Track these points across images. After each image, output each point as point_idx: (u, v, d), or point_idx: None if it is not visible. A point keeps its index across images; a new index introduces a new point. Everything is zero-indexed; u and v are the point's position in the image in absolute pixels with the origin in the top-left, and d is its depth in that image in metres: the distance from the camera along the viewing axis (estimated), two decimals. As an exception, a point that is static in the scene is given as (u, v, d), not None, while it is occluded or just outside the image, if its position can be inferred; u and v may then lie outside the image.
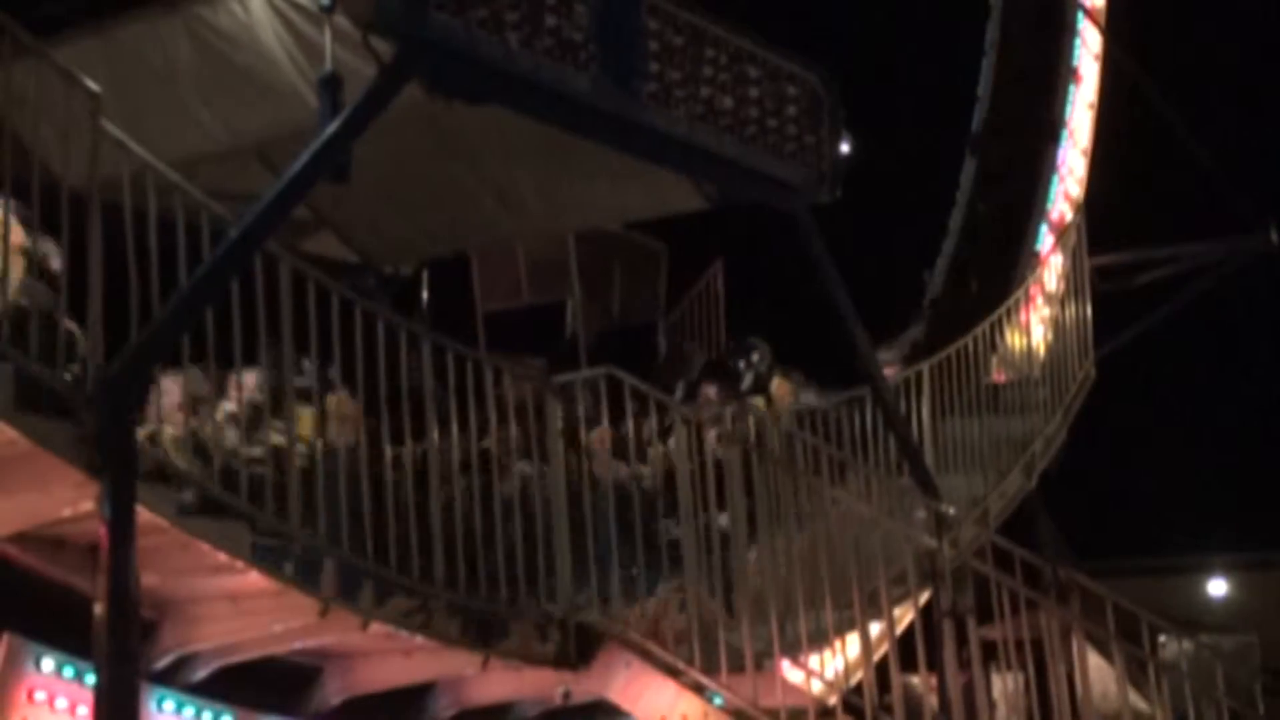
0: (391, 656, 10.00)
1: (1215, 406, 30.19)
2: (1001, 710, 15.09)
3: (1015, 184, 21.28)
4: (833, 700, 10.70)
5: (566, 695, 10.68)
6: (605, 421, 11.64)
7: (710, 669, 10.28)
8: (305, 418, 9.27)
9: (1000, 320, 16.20)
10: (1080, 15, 22.18)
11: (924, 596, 11.29)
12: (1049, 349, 17.17)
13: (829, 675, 10.93)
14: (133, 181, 8.21)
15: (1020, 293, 17.02)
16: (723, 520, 10.99)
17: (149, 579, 8.15)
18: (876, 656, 11.03)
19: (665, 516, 11.16)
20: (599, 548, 10.47)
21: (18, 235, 8.20)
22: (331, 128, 8.55)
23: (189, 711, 9.47)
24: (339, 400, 9.60)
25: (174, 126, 10.10)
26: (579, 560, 10.35)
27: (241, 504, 8.54)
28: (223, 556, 8.54)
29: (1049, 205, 21.18)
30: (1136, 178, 23.06)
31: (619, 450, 11.39)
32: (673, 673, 10.30)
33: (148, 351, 8.01)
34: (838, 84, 11.43)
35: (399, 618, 9.23)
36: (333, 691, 10.26)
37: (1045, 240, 20.67)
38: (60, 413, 7.84)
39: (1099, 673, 12.75)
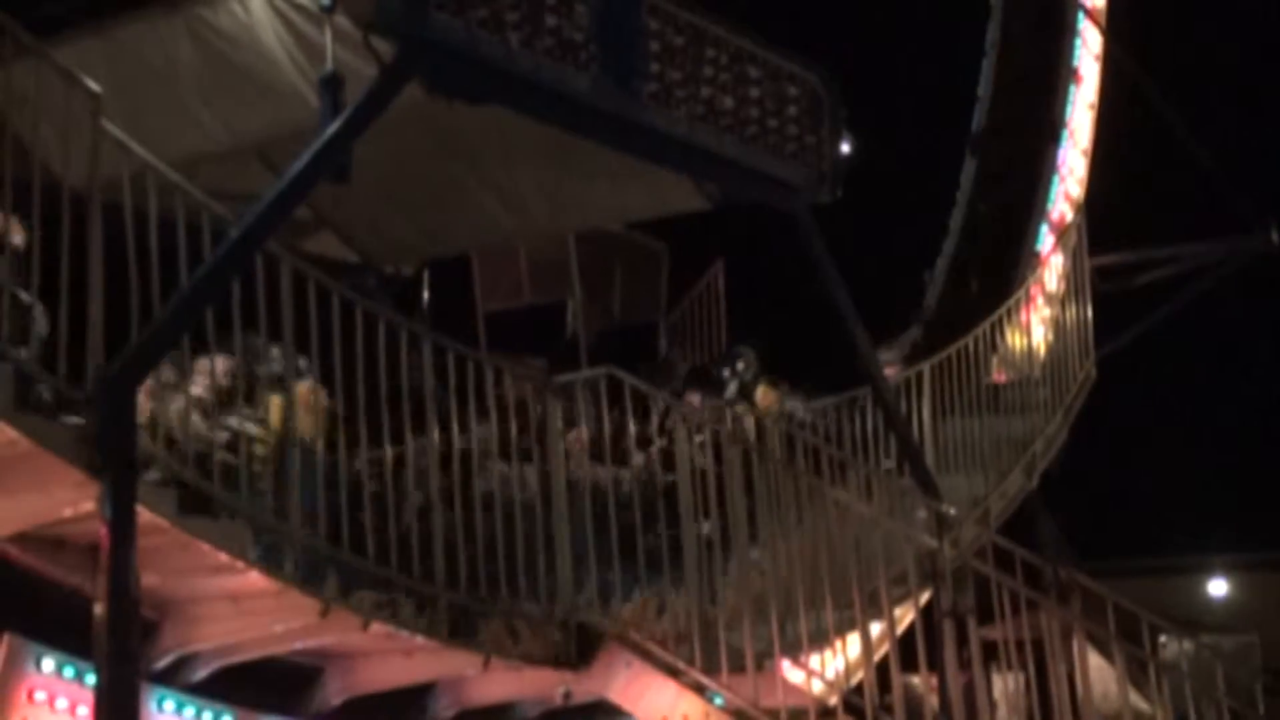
0: (392, 657, 10.00)
1: (1215, 406, 30.21)
2: (1002, 710, 15.09)
3: (1016, 184, 21.29)
4: (833, 700, 10.70)
5: (567, 695, 10.68)
6: (606, 422, 11.63)
7: (711, 669, 10.27)
8: (273, 405, 9.18)
9: (1001, 320, 16.20)
10: (1081, 15, 22.18)
11: (924, 596, 11.29)
12: (1049, 349, 17.17)
13: (830, 675, 10.92)
14: (133, 181, 8.21)
15: (1021, 293, 17.02)
16: (705, 527, 10.94)
17: (149, 579, 8.14)
18: (877, 656, 11.03)
19: (644, 522, 10.96)
20: (575, 549, 10.40)
21: None
22: (332, 128, 8.55)
23: (189, 712, 9.46)
24: (308, 389, 9.44)
25: (174, 126, 10.10)
26: (550, 562, 10.31)
27: (210, 487, 8.48)
28: (223, 557, 8.54)
29: (1049, 205, 21.19)
30: (1137, 178, 23.06)
31: (598, 453, 11.31)
32: (673, 673, 10.30)
33: (148, 351, 8.01)
34: (838, 84, 11.43)
35: (365, 609, 9.15)
36: (333, 692, 10.26)
37: (1046, 240, 20.68)
38: (59, 410, 7.86)
39: (1099, 673, 12.75)
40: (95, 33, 9.99)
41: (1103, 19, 22.45)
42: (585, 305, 15.90)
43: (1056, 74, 21.89)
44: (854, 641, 10.92)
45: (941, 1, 25.13)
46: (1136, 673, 12.68)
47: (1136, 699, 12.56)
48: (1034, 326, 17.24)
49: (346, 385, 9.07)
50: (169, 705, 9.36)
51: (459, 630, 9.66)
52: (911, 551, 11.06)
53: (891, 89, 25.81)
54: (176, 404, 8.82)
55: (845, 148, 11.56)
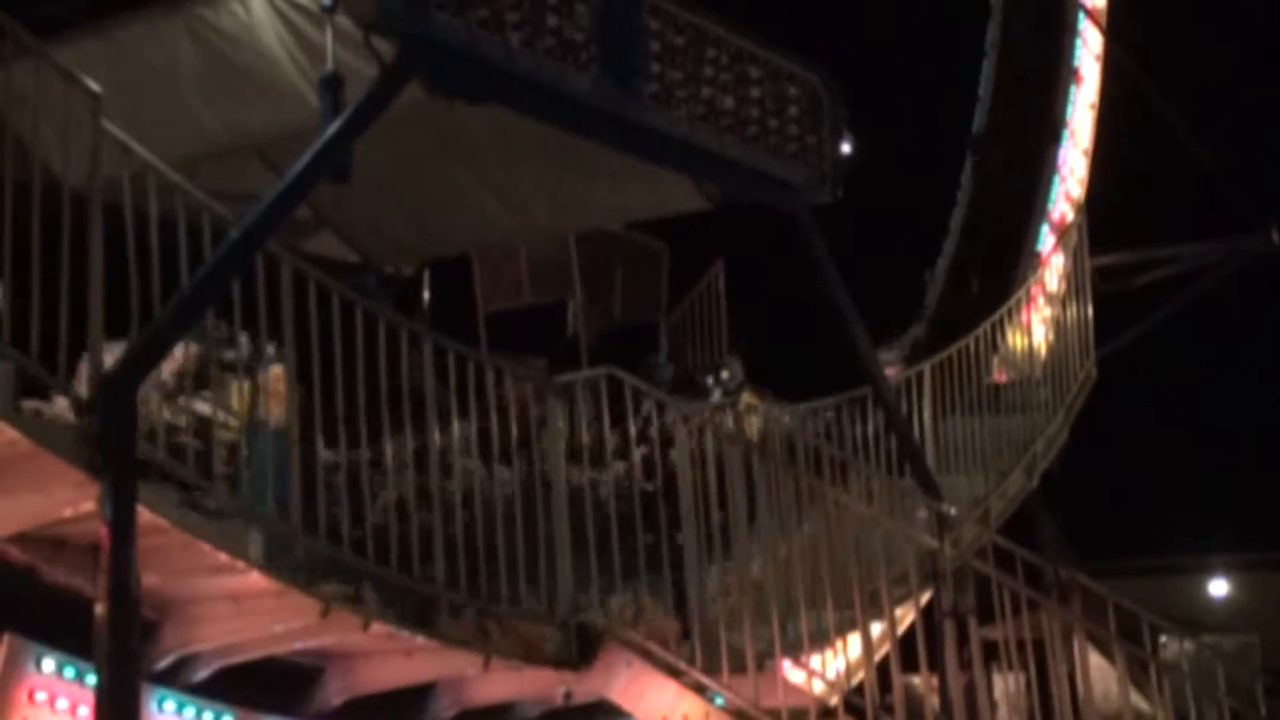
0: (393, 657, 9.99)
1: (1215, 406, 30.22)
2: (1003, 711, 15.10)
3: (1016, 184, 21.31)
4: (834, 700, 10.70)
5: (568, 695, 10.67)
6: (607, 422, 11.62)
7: (711, 669, 10.27)
8: (234, 390, 9.09)
9: (1001, 320, 16.21)
10: (1081, 15, 22.19)
11: (925, 597, 11.29)
12: (1050, 349, 17.18)
13: (830, 675, 10.92)
14: (134, 182, 8.20)
15: (1021, 293, 17.02)
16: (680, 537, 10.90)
17: (150, 579, 8.14)
18: (878, 657, 11.03)
19: (621, 528, 10.85)
20: (550, 551, 10.31)
21: None
22: (333, 128, 8.54)
23: (190, 712, 9.45)
24: (274, 375, 9.30)
25: (175, 126, 10.09)
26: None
27: (172, 465, 8.45)
28: (224, 557, 8.54)
29: (1050, 205, 21.21)
30: (1137, 178, 23.08)
31: (575, 455, 11.22)
32: (674, 673, 10.29)
33: (149, 352, 8.01)
34: (838, 84, 11.44)
35: (329, 595, 9.09)
36: (334, 692, 10.25)
37: (1046, 240, 20.69)
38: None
39: (1100, 673, 12.76)
40: (95, 33, 9.99)
41: (1103, 19, 22.45)
42: (585, 305, 15.89)
43: (1057, 74, 21.91)
44: (855, 641, 10.92)
45: (941, 1, 25.14)
46: (1137, 673, 12.69)
47: (1137, 699, 12.57)
48: (1034, 326, 17.24)
49: (325, 377, 8.95)
50: (169, 705, 9.35)
51: (425, 619, 9.57)
52: (912, 551, 11.06)
53: (892, 89, 25.84)
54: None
55: (846, 148, 11.56)
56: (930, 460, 13.56)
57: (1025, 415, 16.09)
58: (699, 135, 10.43)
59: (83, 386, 7.90)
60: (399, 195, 11.92)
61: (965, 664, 11.23)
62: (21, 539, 8.50)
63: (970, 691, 11.42)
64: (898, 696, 10.66)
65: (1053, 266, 17.99)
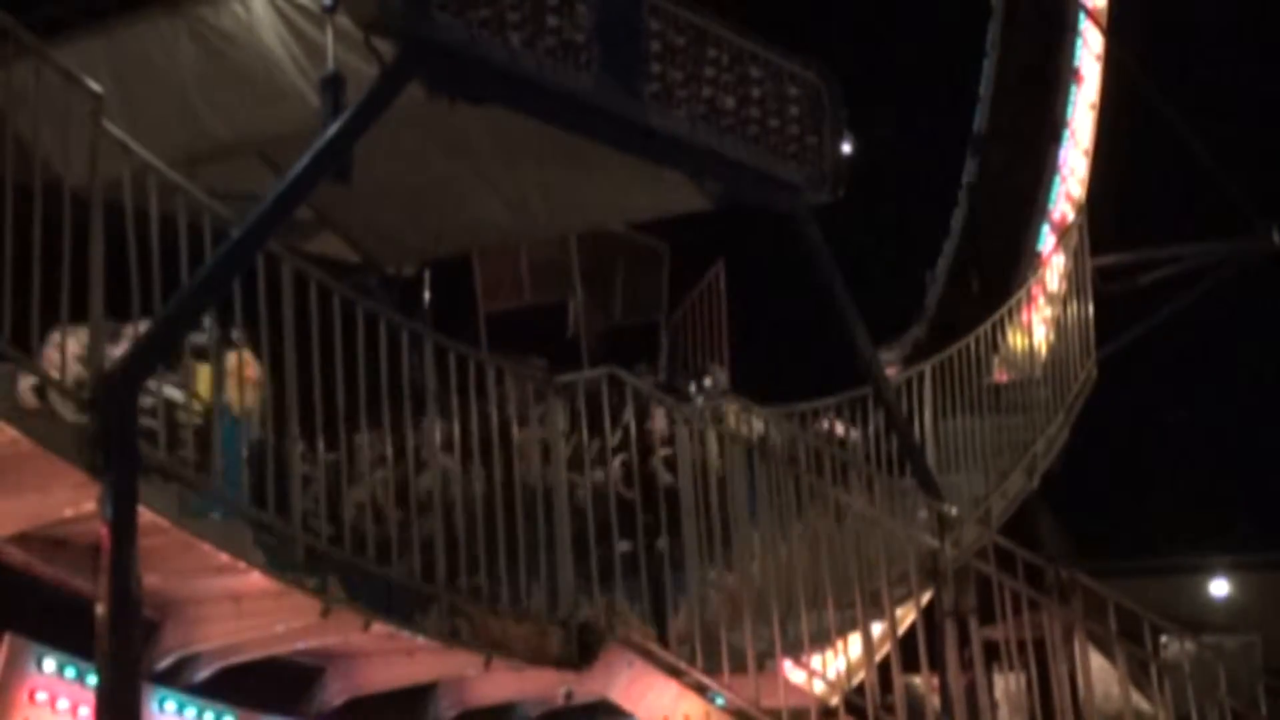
0: (393, 657, 9.98)
1: (1217, 406, 30.19)
2: (1003, 710, 15.10)
3: (1017, 184, 21.33)
4: (835, 700, 10.70)
5: (568, 695, 10.67)
6: (607, 422, 11.59)
7: (712, 669, 10.26)
8: (202, 375, 9.02)
9: (1002, 320, 16.21)
10: (1081, 15, 22.19)
11: (926, 596, 11.29)
12: (1051, 349, 17.18)
13: (831, 675, 10.92)
14: (135, 181, 8.20)
15: (1022, 293, 17.02)
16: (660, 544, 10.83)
17: (150, 579, 8.13)
18: (879, 657, 11.03)
19: (599, 534, 10.65)
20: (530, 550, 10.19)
21: None
22: (334, 128, 8.55)
23: (190, 712, 9.45)
24: (241, 359, 9.14)
25: (176, 127, 10.09)
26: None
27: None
28: (225, 557, 8.53)
29: (1050, 205, 21.23)
30: (1137, 178, 23.07)
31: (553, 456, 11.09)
32: (675, 673, 10.28)
33: (150, 352, 8.01)
34: (839, 84, 11.44)
35: (290, 577, 9.03)
36: (335, 692, 10.25)
37: (1047, 240, 20.69)
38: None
39: (1101, 673, 12.75)
40: (97, 33, 9.98)
41: (1103, 19, 22.45)
42: (586, 305, 15.88)
43: (1058, 74, 21.92)
44: (855, 641, 10.92)
45: (942, 1, 25.14)
46: (1138, 673, 12.68)
47: (1138, 699, 12.57)
48: (1035, 326, 17.24)
49: (302, 369, 8.86)
50: (170, 706, 9.36)
51: (393, 608, 9.50)
52: (913, 551, 11.06)
53: (892, 89, 25.81)
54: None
55: (846, 148, 11.57)
56: (931, 460, 13.56)
57: (1026, 415, 16.10)
58: (700, 135, 10.44)
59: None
60: (400, 195, 11.90)
61: (966, 664, 11.22)
62: (22, 539, 8.50)
63: (971, 691, 11.41)
64: (899, 697, 10.65)
65: (1053, 266, 17.99)
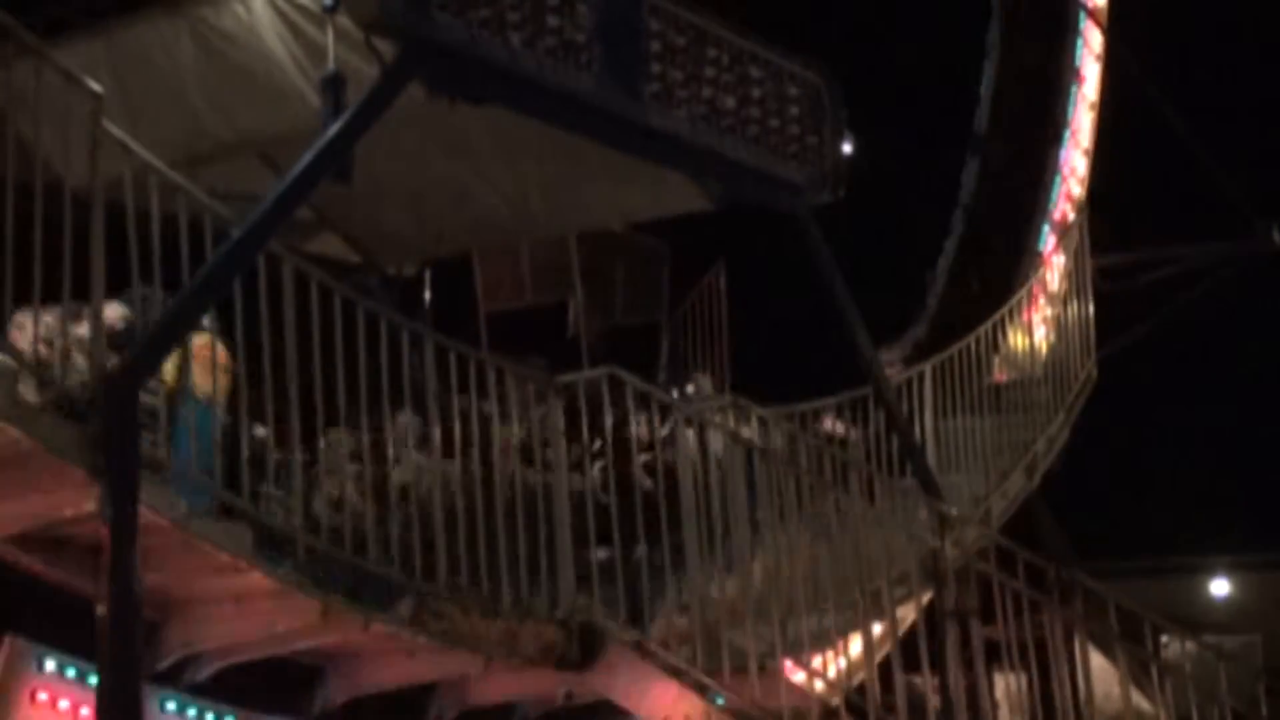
0: (394, 657, 9.98)
1: (1217, 406, 30.20)
2: (1004, 711, 15.09)
3: (1017, 184, 21.32)
4: (836, 701, 10.69)
5: (569, 696, 10.66)
6: (607, 422, 11.59)
7: (713, 670, 10.26)
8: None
9: (1002, 320, 16.21)
10: (1082, 15, 22.19)
11: (926, 596, 11.29)
12: (1051, 349, 17.18)
13: (832, 675, 10.91)
14: (136, 182, 8.20)
15: (1023, 293, 17.02)
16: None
17: (151, 580, 8.13)
18: (879, 657, 11.02)
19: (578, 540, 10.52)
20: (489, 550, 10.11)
21: None
22: (334, 128, 8.55)
23: (191, 712, 9.46)
24: (206, 342, 9.07)
25: (177, 127, 10.09)
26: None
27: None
28: (225, 557, 8.53)
29: (1051, 205, 21.22)
30: (1137, 178, 23.08)
31: (529, 456, 11.06)
32: (675, 673, 10.28)
33: (151, 352, 8.01)
34: (840, 84, 11.44)
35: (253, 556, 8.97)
36: (335, 692, 10.24)
37: (1047, 240, 20.69)
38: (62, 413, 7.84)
39: (1102, 673, 12.75)
40: (97, 33, 9.99)
41: (1104, 18, 22.45)
42: (587, 305, 15.88)
43: (1058, 73, 21.91)
44: (856, 642, 10.91)
45: (943, 1, 25.14)
46: (1139, 673, 12.68)
47: (1139, 699, 12.55)
48: (1036, 326, 17.24)
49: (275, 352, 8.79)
50: (171, 706, 9.36)
51: (355, 594, 9.43)
52: (914, 551, 11.06)
53: (893, 89, 25.82)
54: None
55: (847, 148, 11.57)
56: (931, 460, 13.56)
57: (1026, 415, 16.10)
58: (700, 135, 10.43)
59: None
60: (400, 195, 11.91)
61: (967, 664, 11.22)
62: (23, 539, 8.50)
63: (972, 692, 11.40)
64: (900, 697, 10.65)
65: (1054, 266, 17.99)
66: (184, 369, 8.78)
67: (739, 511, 10.97)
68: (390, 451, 9.74)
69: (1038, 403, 16.30)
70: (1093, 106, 22.24)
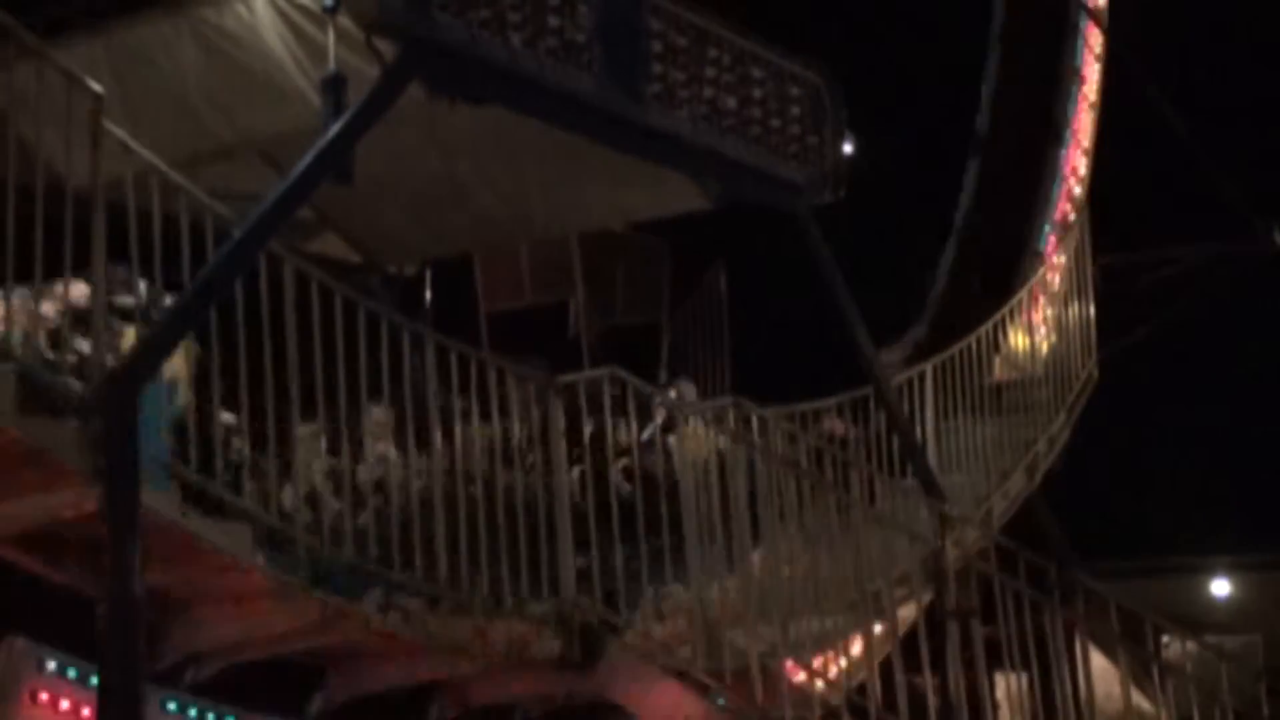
0: (394, 657, 9.98)
1: (1217, 406, 30.17)
2: (1005, 711, 15.08)
3: (1018, 184, 21.30)
4: (837, 701, 10.69)
5: (569, 696, 10.66)
6: (607, 422, 11.59)
7: (714, 670, 10.26)
8: (129, 336, 8.94)
9: (1003, 320, 16.21)
10: (1083, 15, 22.18)
11: (927, 597, 11.29)
12: (1052, 349, 17.17)
13: (833, 676, 10.91)
14: (137, 182, 8.20)
15: (1023, 293, 17.02)
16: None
17: (152, 580, 8.13)
18: (880, 657, 11.02)
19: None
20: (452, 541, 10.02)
21: None
22: (335, 128, 8.55)
23: (192, 712, 9.45)
24: None
25: (178, 127, 10.09)
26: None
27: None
28: (226, 557, 8.53)
29: (1052, 205, 21.20)
30: (1138, 178, 23.06)
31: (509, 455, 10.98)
32: (677, 674, 10.28)
33: (151, 353, 8.00)
34: (840, 84, 11.44)
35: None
36: (335, 692, 10.24)
37: (1048, 240, 20.68)
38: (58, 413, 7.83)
39: (1103, 673, 12.75)
40: (98, 34, 9.98)
41: (1104, 18, 22.44)
42: (588, 305, 15.89)
43: (1059, 73, 21.90)
44: (857, 642, 10.91)
45: (944, 1, 25.12)
46: (1140, 673, 12.68)
47: (1140, 699, 12.56)
48: (1036, 326, 17.24)
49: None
50: (172, 706, 9.35)
51: (318, 581, 9.39)
52: (915, 551, 11.06)
53: (894, 89, 25.81)
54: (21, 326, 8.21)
55: (847, 148, 11.57)
56: (932, 460, 13.55)
57: (1027, 415, 16.10)
58: (701, 135, 10.44)
59: None
60: (401, 195, 11.91)
61: (968, 664, 11.21)
62: (24, 540, 8.50)
63: (973, 692, 11.40)
64: (900, 697, 10.65)
65: (1054, 266, 17.99)
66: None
67: (739, 513, 10.97)
68: (365, 443, 9.73)
69: (1039, 403, 16.30)
70: (1093, 106, 22.24)
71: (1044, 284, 17.68)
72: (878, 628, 11.13)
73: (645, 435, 11.54)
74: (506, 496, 10.03)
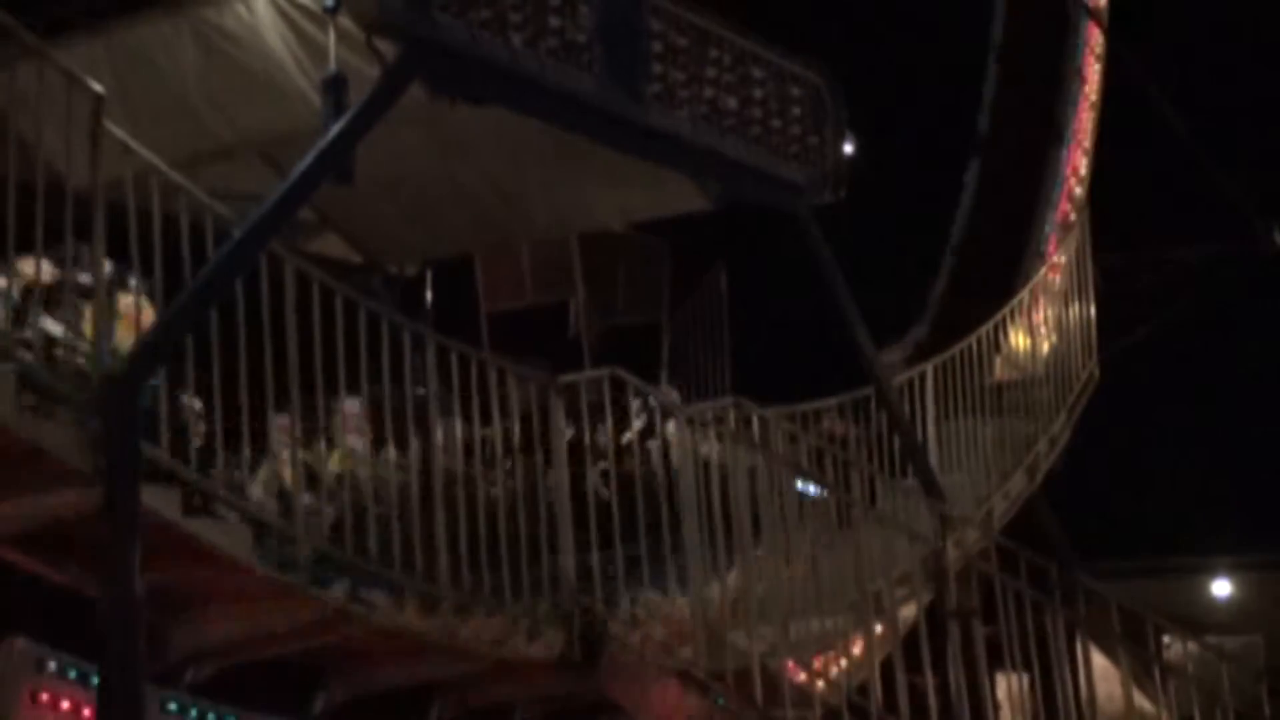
0: (394, 657, 9.98)
1: (1217, 406, 30.17)
2: (1006, 711, 15.09)
3: (1019, 184, 21.30)
4: (837, 701, 10.69)
5: (569, 696, 10.66)
6: (609, 421, 11.59)
7: (715, 670, 10.25)
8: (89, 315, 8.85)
9: (1004, 321, 16.21)
10: (1083, 15, 22.18)
11: (928, 597, 11.29)
12: (1053, 349, 17.17)
13: (834, 675, 10.91)
14: (137, 182, 8.20)
15: (1024, 293, 17.02)
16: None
17: (152, 580, 8.12)
18: (881, 657, 11.02)
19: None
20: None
21: None
22: (336, 128, 8.54)
23: (192, 713, 9.44)
24: (133, 300, 8.73)
25: (179, 128, 10.09)
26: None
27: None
28: (226, 557, 8.53)
29: (1053, 205, 21.19)
30: (1138, 178, 23.06)
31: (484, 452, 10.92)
32: (678, 674, 10.27)
33: (152, 353, 8.00)
34: (841, 85, 11.44)
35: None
36: (335, 692, 10.24)
37: (1049, 240, 20.67)
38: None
39: (1104, 673, 12.75)
40: (98, 34, 9.98)
41: (1105, 18, 22.44)
42: (588, 305, 15.88)
43: (1060, 74, 21.90)
44: (858, 642, 10.91)
45: (945, 1, 25.12)
46: (1141, 673, 12.68)
47: (1141, 700, 12.56)
48: (1037, 327, 17.23)
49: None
50: (172, 706, 9.34)
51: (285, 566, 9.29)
52: (916, 551, 11.06)
53: (894, 89, 25.81)
54: None
55: (848, 148, 11.57)
56: (933, 460, 13.55)
57: (1028, 415, 16.09)
58: (701, 136, 10.44)
59: None
60: (401, 196, 11.91)
61: (969, 664, 11.22)
62: (24, 540, 8.50)
63: (974, 692, 11.40)
64: (902, 697, 10.64)
65: (1055, 266, 17.98)
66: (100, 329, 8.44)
67: (740, 514, 10.97)
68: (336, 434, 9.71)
69: (1039, 403, 16.30)
70: (1094, 106, 22.23)
71: (1045, 284, 17.68)
72: (879, 628, 11.12)
73: (625, 438, 11.52)
74: (488, 495, 9.99)
